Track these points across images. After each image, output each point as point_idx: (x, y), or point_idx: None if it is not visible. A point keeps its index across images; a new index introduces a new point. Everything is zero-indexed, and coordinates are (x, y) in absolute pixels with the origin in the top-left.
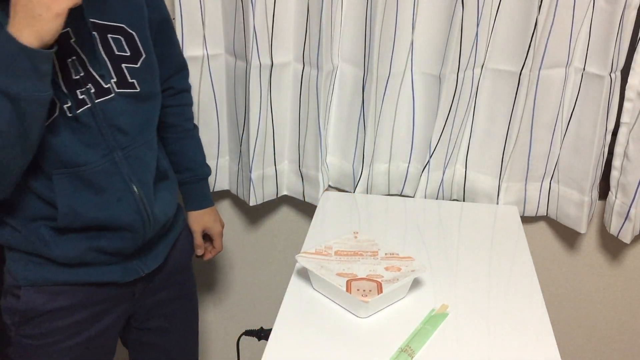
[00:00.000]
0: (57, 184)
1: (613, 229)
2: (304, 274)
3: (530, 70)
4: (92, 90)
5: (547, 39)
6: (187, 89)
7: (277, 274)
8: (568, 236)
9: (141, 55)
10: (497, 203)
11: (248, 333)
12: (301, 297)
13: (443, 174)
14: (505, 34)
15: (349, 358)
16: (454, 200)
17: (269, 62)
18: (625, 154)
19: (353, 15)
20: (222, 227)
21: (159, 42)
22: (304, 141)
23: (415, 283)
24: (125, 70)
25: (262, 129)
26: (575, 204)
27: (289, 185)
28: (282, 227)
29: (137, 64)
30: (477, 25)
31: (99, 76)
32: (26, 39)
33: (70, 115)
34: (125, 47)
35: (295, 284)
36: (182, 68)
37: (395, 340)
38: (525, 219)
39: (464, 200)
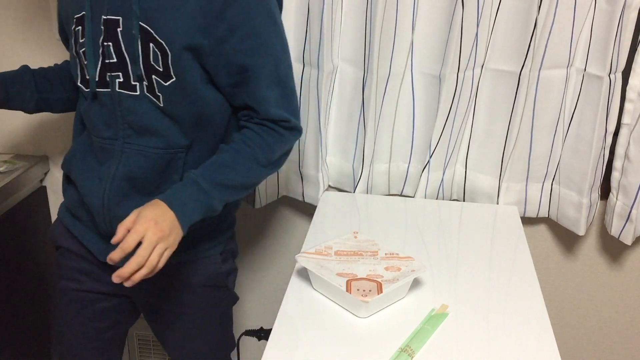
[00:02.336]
0: (82, 135)
1: (614, 231)
2: (304, 274)
3: (530, 71)
4: (119, 80)
5: (547, 39)
6: (260, 134)
7: (277, 274)
8: (569, 237)
9: (171, 77)
10: (497, 203)
11: (248, 333)
12: (301, 297)
13: (443, 174)
14: (505, 34)
15: (349, 358)
16: (454, 200)
17: None
18: (626, 155)
19: (353, 15)
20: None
21: (239, 87)
22: (304, 141)
23: (415, 283)
24: (154, 82)
25: None
26: (574, 206)
27: (289, 186)
28: (282, 227)
29: (165, 83)
30: (477, 25)
31: (133, 73)
32: None
33: (87, 90)
34: (160, 62)
35: (295, 284)
36: (264, 123)
37: (395, 340)
38: (526, 220)
39: (464, 200)
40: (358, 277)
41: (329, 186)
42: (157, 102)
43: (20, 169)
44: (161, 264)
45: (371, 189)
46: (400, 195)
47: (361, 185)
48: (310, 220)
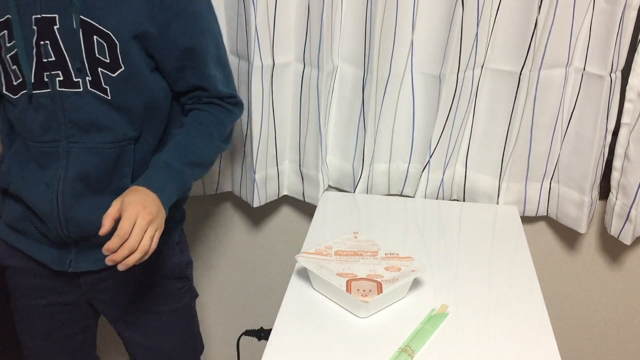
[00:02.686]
0: (15, 145)
1: (613, 230)
2: (304, 274)
3: (530, 71)
4: (59, 78)
5: (547, 39)
6: (211, 112)
7: (277, 274)
8: (568, 236)
9: (119, 67)
10: (497, 203)
11: (248, 333)
12: (301, 297)
13: (443, 174)
14: (505, 34)
15: (349, 358)
16: (454, 200)
17: (271, 63)
18: (625, 155)
19: (353, 15)
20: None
21: (187, 69)
22: (304, 141)
23: (415, 283)
24: (101, 75)
25: (264, 130)
26: (576, 204)
27: (290, 186)
28: (282, 227)
29: (113, 74)
30: (477, 25)
31: (74, 69)
32: None
33: (15, 96)
34: (107, 53)
35: (295, 284)
36: (212, 101)
37: (395, 340)
38: (525, 219)
39: (464, 200)
40: (358, 277)
41: (329, 186)
42: (104, 95)
43: None
44: (154, 246)
45: (371, 189)
46: (400, 195)
47: (361, 185)
48: (310, 220)
